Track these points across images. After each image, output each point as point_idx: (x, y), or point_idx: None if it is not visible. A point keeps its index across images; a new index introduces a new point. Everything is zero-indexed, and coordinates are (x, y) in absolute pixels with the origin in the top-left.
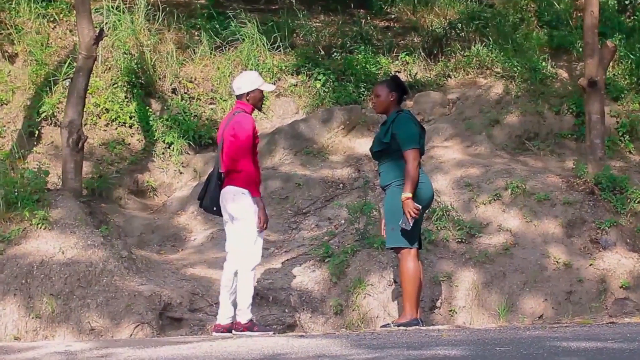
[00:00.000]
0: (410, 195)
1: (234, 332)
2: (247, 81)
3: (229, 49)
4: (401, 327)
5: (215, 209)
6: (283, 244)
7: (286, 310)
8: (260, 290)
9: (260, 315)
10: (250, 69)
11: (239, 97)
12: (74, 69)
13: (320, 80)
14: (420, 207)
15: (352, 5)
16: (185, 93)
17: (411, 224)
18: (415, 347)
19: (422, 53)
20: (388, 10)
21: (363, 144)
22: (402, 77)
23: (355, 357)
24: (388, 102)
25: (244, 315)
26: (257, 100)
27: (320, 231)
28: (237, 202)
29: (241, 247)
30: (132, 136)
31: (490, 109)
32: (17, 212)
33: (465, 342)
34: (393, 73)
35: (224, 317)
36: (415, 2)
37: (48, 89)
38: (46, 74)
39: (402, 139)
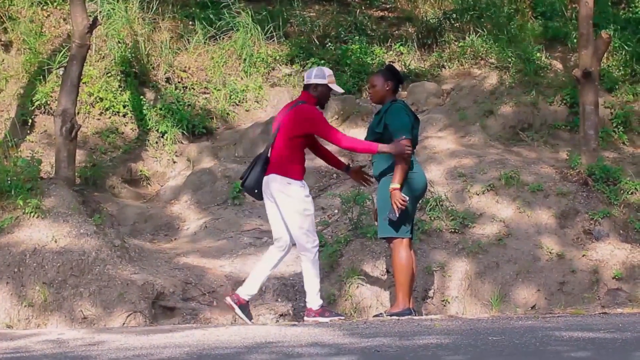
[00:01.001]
0: (398, 186)
1: (305, 318)
2: (319, 74)
3: (223, 38)
4: (394, 317)
5: (256, 191)
6: None
7: (279, 300)
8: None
9: (253, 305)
10: (245, 59)
11: (305, 87)
12: (67, 58)
13: None
14: (407, 197)
15: None
16: (179, 82)
17: (397, 215)
18: (407, 337)
19: (417, 43)
20: (383, 0)
21: (357, 134)
22: (397, 67)
23: (348, 346)
24: (384, 91)
25: (315, 301)
26: (322, 95)
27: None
28: (283, 191)
29: (298, 235)
30: (125, 125)
31: (485, 99)
32: (10, 201)
33: (457, 331)
34: (387, 63)
35: (246, 292)
36: None
37: (42, 77)
38: (40, 63)
39: (393, 128)
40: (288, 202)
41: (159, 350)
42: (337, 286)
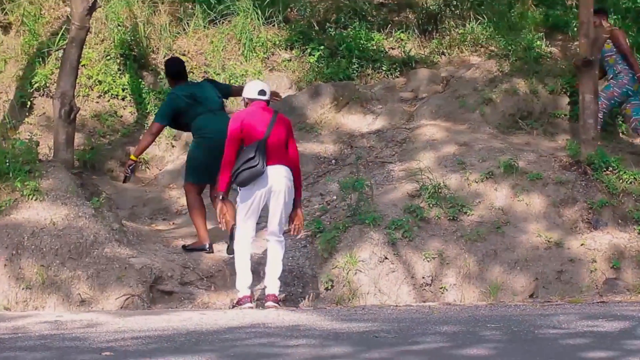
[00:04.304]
0: (133, 155)
1: (272, 304)
2: None
3: (222, 22)
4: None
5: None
6: None
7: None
8: (251, 265)
9: (251, 290)
10: (244, 43)
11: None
12: (67, 40)
13: (314, 55)
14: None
15: None
16: None
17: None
18: (405, 323)
19: (417, 30)
20: None
21: (356, 120)
22: (396, 53)
23: (346, 331)
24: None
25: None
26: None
27: (312, 207)
28: (290, 183)
29: (284, 223)
30: (124, 108)
31: (484, 87)
32: (8, 183)
33: (455, 318)
34: (385, 50)
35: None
36: None
37: (41, 59)
38: (39, 45)
39: None
40: (292, 194)
41: (157, 334)
42: (335, 272)
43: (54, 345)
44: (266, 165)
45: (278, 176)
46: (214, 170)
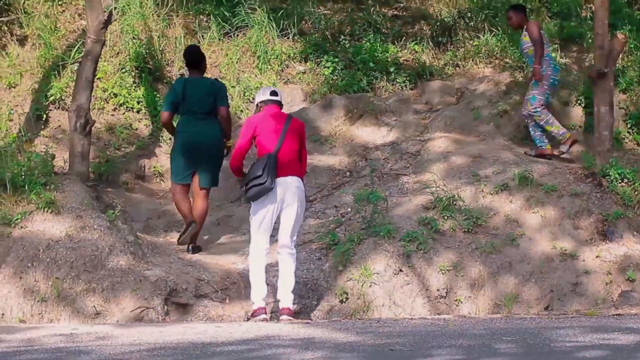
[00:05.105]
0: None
1: (287, 317)
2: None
3: (237, 35)
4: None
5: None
6: None
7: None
8: (266, 278)
9: (266, 303)
10: (259, 56)
11: (281, 105)
12: (82, 53)
13: (328, 67)
14: None
15: None
16: None
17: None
18: (421, 336)
19: (431, 42)
20: None
21: (371, 132)
22: (411, 65)
23: (361, 344)
24: None
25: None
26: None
27: (327, 219)
28: (303, 194)
29: (295, 235)
30: (139, 121)
31: (499, 99)
32: (23, 195)
33: (471, 331)
34: (399, 62)
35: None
36: None
37: (56, 72)
38: (55, 58)
39: None
40: (304, 204)
41: (172, 346)
42: (350, 284)
43: (69, 358)
44: (276, 179)
45: (289, 188)
46: (194, 170)
